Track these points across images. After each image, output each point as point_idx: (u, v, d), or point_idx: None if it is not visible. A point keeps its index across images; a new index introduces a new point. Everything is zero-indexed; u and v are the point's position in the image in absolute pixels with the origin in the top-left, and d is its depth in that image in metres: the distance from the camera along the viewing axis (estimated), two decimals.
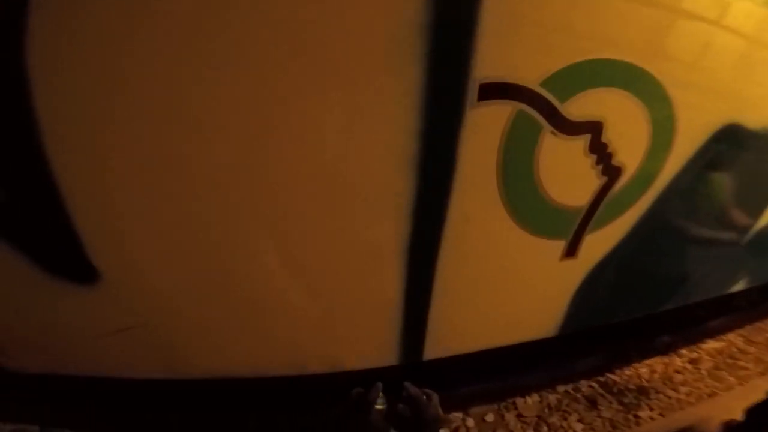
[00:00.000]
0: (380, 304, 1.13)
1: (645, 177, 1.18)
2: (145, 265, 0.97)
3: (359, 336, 1.19)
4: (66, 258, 0.93)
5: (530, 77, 0.94)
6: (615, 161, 1.10)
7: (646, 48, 1.03)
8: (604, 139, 1.05)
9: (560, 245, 1.19)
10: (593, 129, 1.03)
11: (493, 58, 0.90)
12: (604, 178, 1.11)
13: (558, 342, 1.45)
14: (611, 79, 1.01)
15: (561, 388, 1.79)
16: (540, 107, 0.97)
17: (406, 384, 0.84)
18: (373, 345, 1.22)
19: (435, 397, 0.83)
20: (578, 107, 1.00)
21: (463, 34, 0.87)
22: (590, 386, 1.90)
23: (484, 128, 0.95)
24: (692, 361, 2.04)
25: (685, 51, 1.07)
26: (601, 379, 1.93)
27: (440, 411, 0.82)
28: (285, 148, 0.89)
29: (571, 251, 1.21)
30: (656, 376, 1.95)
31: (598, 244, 1.24)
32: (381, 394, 0.81)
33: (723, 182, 1.39)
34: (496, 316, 1.28)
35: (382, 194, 0.97)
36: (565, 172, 1.07)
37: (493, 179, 1.01)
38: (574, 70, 0.97)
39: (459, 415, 1.55)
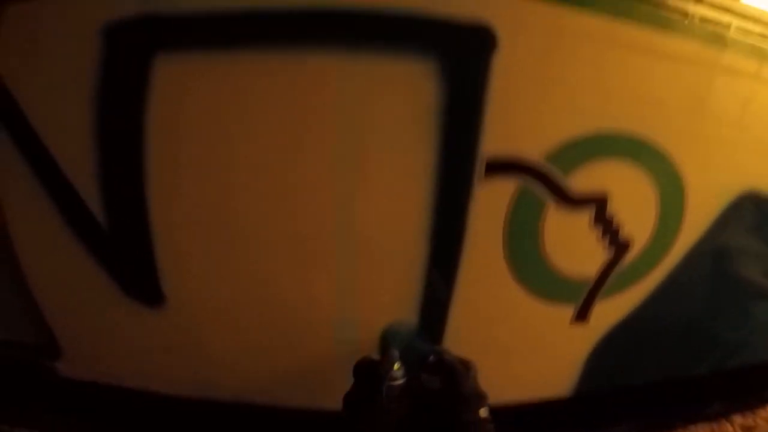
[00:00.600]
0: None
1: (657, 249, 1.19)
2: (203, 294, 1.14)
3: None
4: (143, 283, 1.14)
5: (535, 151, 1.02)
6: (622, 234, 1.13)
7: (651, 119, 1.08)
8: (609, 212, 1.09)
9: (570, 310, 1.21)
10: (598, 202, 1.08)
11: (498, 135, 0.99)
12: (612, 251, 1.14)
13: (588, 406, 1.42)
14: (615, 150, 1.07)
15: None
16: (543, 180, 1.03)
17: (439, 348, 0.66)
18: None
19: (474, 367, 0.64)
20: (582, 180, 1.06)
21: (472, 115, 0.98)
22: None
23: (491, 201, 1.03)
24: (746, 429, 1.83)
25: (692, 120, 1.11)
26: None
27: (480, 386, 0.63)
28: (320, 212, 1.05)
29: (581, 316, 1.22)
30: None
31: (611, 310, 1.25)
32: (398, 365, 0.65)
33: (748, 246, 1.35)
34: (506, 375, 1.29)
35: (398, 260, 1.07)
36: (571, 244, 1.11)
37: (500, 248, 1.08)
38: (577, 143, 1.03)
39: None
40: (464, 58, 0.98)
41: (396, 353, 0.72)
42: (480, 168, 1.01)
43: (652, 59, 1.04)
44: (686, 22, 1.03)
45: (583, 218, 1.10)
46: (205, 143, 1.01)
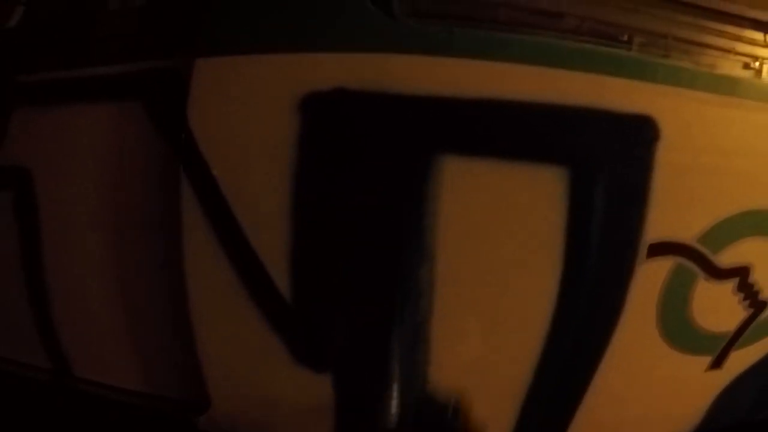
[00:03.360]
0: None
1: None
2: None
3: None
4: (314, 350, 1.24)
5: (688, 235, 1.16)
6: (761, 297, 1.27)
7: None
8: (750, 280, 1.24)
9: (707, 360, 1.35)
10: (742, 273, 1.22)
11: (660, 222, 1.13)
12: (751, 310, 1.28)
13: None
14: (758, 228, 1.20)
15: None
16: (695, 259, 1.18)
17: None
18: None
19: None
20: (729, 256, 1.20)
21: (637, 207, 1.12)
22: None
23: (649, 279, 1.17)
24: None
25: None
26: None
27: None
28: None
29: (716, 364, 1.36)
30: None
31: (744, 357, 1.38)
32: None
33: None
34: (637, 415, 1.43)
35: None
36: (715, 308, 1.25)
37: (653, 316, 1.22)
38: (725, 225, 1.17)
39: None
40: (630, 150, 1.10)
41: None
42: (642, 251, 1.15)
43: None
44: None
45: (728, 286, 1.23)
46: None
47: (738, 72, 1.20)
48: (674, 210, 1.14)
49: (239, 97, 1.03)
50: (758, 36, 1.22)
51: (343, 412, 1.30)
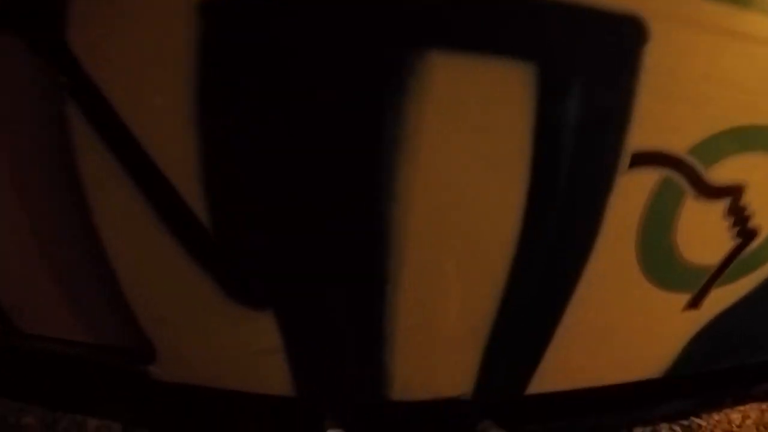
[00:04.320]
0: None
1: None
2: None
3: None
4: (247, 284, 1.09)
5: (679, 145, 1.01)
6: (751, 224, 1.14)
7: None
8: (742, 203, 1.10)
9: (685, 298, 1.23)
10: (734, 193, 1.08)
11: (645, 129, 0.97)
12: (739, 240, 1.15)
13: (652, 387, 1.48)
14: (756, 144, 1.07)
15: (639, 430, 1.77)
16: (685, 173, 1.03)
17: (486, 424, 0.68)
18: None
19: None
20: (721, 172, 1.05)
21: (620, 111, 0.96)
22: (672, 429, 1.87)
23: (630, 193, 1.02)
24: None
25: None
26: (685, 422, 1.89)
27: None
28: None
29: (694, 303, 1.24)
30: (749, 422, 1.90)
31: (724, 296, 1.27)
32: None
33: None
34: (607, 357, 1.33)
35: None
36: (701, 234, 1.12)
37: (632, 239, 1.07)
38: (721, 137, 1.02)
39: None
40: (616, 49, 0.94)
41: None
42: (625, 160, 0.99)
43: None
44: None
45: (718, 208, 1.10)
46: None
47: None
48: (664, 117, 0.99)
49: (127, 10, 0.88)
50: None
51: (295, 354, 1.18)
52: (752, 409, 1.95)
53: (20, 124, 1.05)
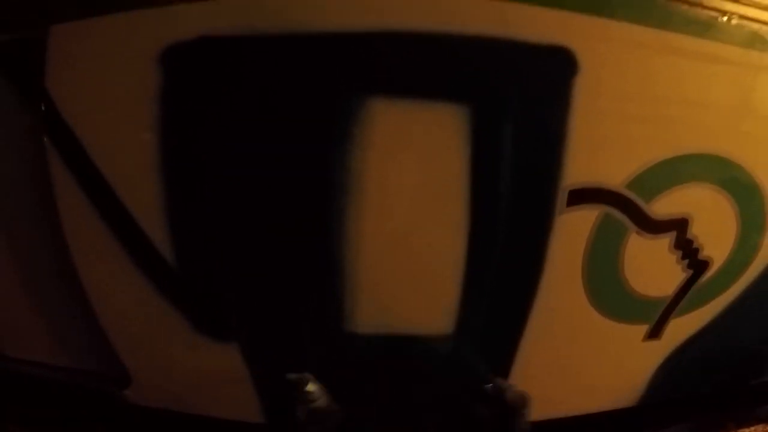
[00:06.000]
0: None
1: (736, 266, 1.19)
2: None
3: None
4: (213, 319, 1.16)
5: (615, 180, 1.02)
6: (701, 256, 1.13)
7: (731, 140, 1.07)
8: (689, 236, 1.09)
9: (643, 328, 1.22)
10: (679, 226, 1.08)
11: (580, 166, 0.99)
12: (690, 272, 1.14)
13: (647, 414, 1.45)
14: (696, 174, 1.06)
15: None
16: (625, 209, 1.04)
17: (503, 382, 0.65)
18: None
19: (529, 403, 0.65)
20: (664, 205, 1.06)
21: (553, 148, 0.98)
22: None
23: (571, 231, 1.04)
24: None
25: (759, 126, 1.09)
26: None
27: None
28: None
29: (654, 333, 1.23)
30: None
31: (686, 325, 1.26)
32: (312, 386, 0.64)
33: None
34: (571, 388, 1.32)
35: None
36: (650, 268, 1.12)
37: (578, 275, 1.08)
38: (658, 169, 1.03)
39: None
40: (545, 83, 0.97)
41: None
42: (562, 197, 1.01)
43: (701, 65, 1.02)
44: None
45: (664, 242, 1.10)
46: None
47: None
48: (597, 151, 1.00)
49: (97, 58, 0.97)
50: None
51: (261, 384, 1.23)
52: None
53: (4, 159, 1.12)
